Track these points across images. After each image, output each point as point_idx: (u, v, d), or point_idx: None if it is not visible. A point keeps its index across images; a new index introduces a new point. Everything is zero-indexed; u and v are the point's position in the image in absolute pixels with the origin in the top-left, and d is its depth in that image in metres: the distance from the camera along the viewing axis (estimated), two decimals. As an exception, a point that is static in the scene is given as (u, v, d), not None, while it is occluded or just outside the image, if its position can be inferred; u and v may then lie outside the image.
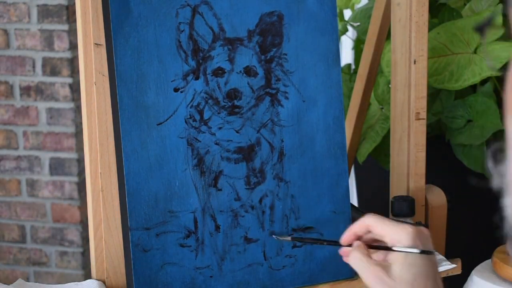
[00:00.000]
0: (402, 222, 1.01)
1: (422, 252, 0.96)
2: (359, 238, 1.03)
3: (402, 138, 1.36)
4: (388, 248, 0.99)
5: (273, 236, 1.17)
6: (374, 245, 1.02)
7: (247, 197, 1.18)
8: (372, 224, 1.01)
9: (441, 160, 1.71)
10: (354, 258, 1.01)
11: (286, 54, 1.19)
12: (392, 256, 0.98)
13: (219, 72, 1.16)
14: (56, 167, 2.62)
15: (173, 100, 1.13)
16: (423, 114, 1.34)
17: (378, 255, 1.02)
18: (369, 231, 1.02)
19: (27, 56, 2.57)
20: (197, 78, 1.15)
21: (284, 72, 1.19)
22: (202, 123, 1.15)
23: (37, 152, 2.63)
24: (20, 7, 2.55)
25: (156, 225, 1.13)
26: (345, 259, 1.04)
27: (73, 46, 2.55)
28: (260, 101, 1.18)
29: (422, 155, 1.35)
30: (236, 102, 1.16)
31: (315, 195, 1.21)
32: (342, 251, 1.05)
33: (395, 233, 0.98)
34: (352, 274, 1.24)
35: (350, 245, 1.03)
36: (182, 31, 1.14)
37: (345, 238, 1.04)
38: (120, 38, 1.11)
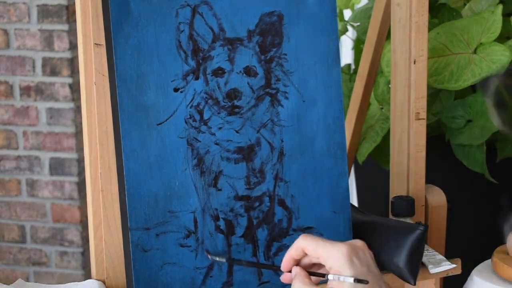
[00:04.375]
0: (333, 241, 0.98)
1: (357, 281, 0.94)
2: (298, 262, 1.01)
3: (402, 138, 1.36)
4: (322, 276, 0.98)
5: (208, 255, 1.15)
6: (311, 271, 1.00)
7: (247, 197, 1.18)
8: (306, 247, 0.99)
9: (441, 160, 1.71)
10: (295, 286, 0.99)
11: (286, 54, 1.19)
12: (332, 282, 0.95)
13: (219, 72, 1.16)
14: (56, 167, 2.63)
15: (173, 100, 1.13)
16: (423, 114, 1.34)
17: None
18: (305, 254, 1.00)
19: (27, 56, 2.58)
20: (197, 78, 1.15)
21: (284, 72, 1.19)
22: (202, 123, 1.15)
23: (37, 152, 2.63)
24: (20, 7, 2.55)
25: (156, 225, 1.13)
26: (285, 281, 1.03)
27: (73, 46, 2.55)
28: (260, 101, 1.18)
29: (422, 155, 1.35)
30: (236, 102, 1.17)
31: (315, 195, 1.21)
32: (284, 278, 1.03)
33: (329, 255, 0.96)
34: (352, 274, 1.24)
35: (291, 271, 1.01)
36: (182, 31, 1.14)
37: (283, 264, 1.02)
38: (120, 38, 1.11)
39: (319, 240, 0.98)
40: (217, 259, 1.15)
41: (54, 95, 2.58)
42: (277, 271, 1.05)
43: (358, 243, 0.98)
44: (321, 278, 0.99)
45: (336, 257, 0.96)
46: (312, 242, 0.98)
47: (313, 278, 1.00)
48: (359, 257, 0.96)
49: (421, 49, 1.32)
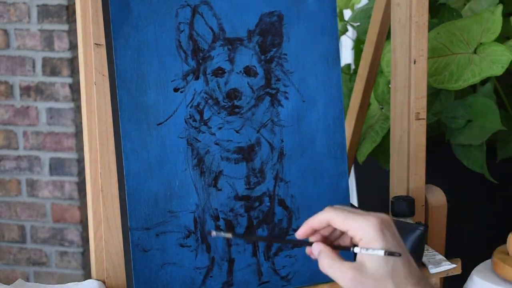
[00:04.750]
0: (362, 211, 0.95)
1: (388, 253, 0.91)
2: (315, 232, 0.98)
3: (402, 138, 1.36)
4: (349, 248, 0.95)
5: (213, 232, 1.11)
6: (336, 245, 0.97)
7: (247, 197, 1.18)
8: (333, 220, 0.95)
9: (441, 160, 1.71)
10: (325, 265, 0.96)
11: (286, 54, 1.19)
12: (361, 255, 0.93)
13: (219, 72, 1.16)
14: (56, 167, 2.62)
15: (173, 100, 1.13)
16: (423, 114, 1.34)
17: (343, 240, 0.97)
18: (328, 225, 0.96)
19: (27, 56, 2.57)
20: (197, 78, 1.15)
21: (284, 72, 1.19)
22: (202, 123, 1.15)
23: (37, 152, 2.63)
24: (20, 7, 2.55)
25: (156, 225, 1.13)
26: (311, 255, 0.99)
27: (73, 46, 2.55)
28: (260, 101, 1.18)
29: (422, 155, 1.35)
30: (236, 102, 1.17)
31: (315, 195, 1.21)
32: (308, 250, 0.99)
33: (360, 227, 0.93)
34: (352, 274, 1.24)
35: (307, 241, 0.97)
36: (182, 31, 1.14)
37: (302, 232, 0.98)
38: (120, 38, 1.11)
39: (346, 212, 0.95)
40: (222, 234, 1.12)
41: (54, 95, 2.58)
42: (290, 242, 1.01)
43: (386, 217, 0.95)
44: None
45: (367, 229, 0.93)
46: (339, 214, 0.95)
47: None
48: (388, 229, 0.94)
49: (421, 49, 1.32)
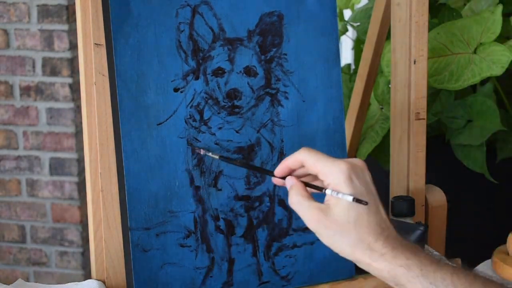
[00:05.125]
0: (335, 158, 0.96)
1: (356, 200, 0.92)
2: (292, 171, 0.99)
3: (402, 138, 1.36)
4: (320, 190, 0.96)
5: (201, 150, 1.13)
6: (309, 183, 0.98)
7: (247, 197, 1.18)
8: (306, 160, 0.97)
9: (441, 160, 1.71)
10: (292, 201, 0.97)
11: (286, 54, 1.19)
12: (331, 197, 0.94)
13: (219, 72, 1.16)
14: (56, 167, 2.63)
15: (173, 100, 1.13)
16: (423, 114, 1.34)
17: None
18: (303, 166, 0.98)
19: (27, 56, 2.58)
20: (197, 78, 1.15)
21: (284, 72, 1.19)
22: (202, 123, 1.15)
23: (37, 152, 2.63)
24: (20, 7, 2.55)
25: (156, 225, 1.13)
26: (276, 183, 1.01)
27: (73, 46, 2.55)
28: (260, 101, 1.18)
29: (422, 155, 1.35)
30: (236, 102, 1.17)
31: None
32: (275, 180, 1.00)
33: (328, 171, 0.95)
34: (352, 274, 1.24)
35: (283, 178, 0.99)
36: (182, 31, 1.14)
37: (278, 169, 0.99)
38: (120, 38, 1.11)
39: (319, 155, 0.96)
40: (210, 154, 1.13)
41: (54, 95, 2.58)
42: (269, 174, 1.01)
43: (359, 162, 0.96)
44: (314, 191, 0.97)
45: (335, 174, 0.94)
46: (312, 156, 0.96)
47: (309, 189, 0.99)
48: (358, 176, 0.94)
49: (421, 49, 1.32)
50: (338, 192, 0.93)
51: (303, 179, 0.99)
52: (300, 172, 1.00)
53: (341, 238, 0.94)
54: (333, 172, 0.94)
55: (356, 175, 0.94)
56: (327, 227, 0.94)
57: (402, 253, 0.94)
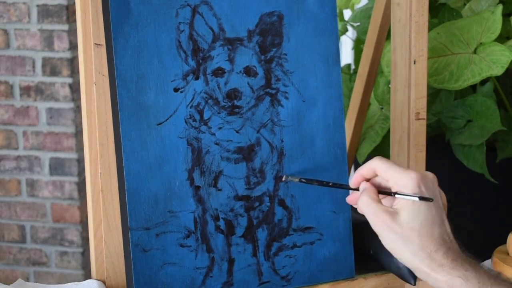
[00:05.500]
0: (407, 168, 1.02)
1: (421, 198, 0.96)
2: (367, 181, 1.04)
3: (402, 138, 1.36)
4: (390, 194, 1.00)
5: (283, 177, 1.17)
6: (380, 190, 1.02)
7: (247, 197, 1.18)
8: (378, 168, 1.01)
9: (441, 160, 1.71)
10: (362, 202, 1.01)
11: (286, 54, 1.19)
12: (399, 203, 0.98)
13: (219, 72, 1.16)
14: (56, 167, 2.63)
15: (173, 100, 1.13)
16: (423, 114, 1.34)
17: (387, 200, 1.02)
18: (376, 175, 1.02)
19: (27, 56, 2.58)
20: (197, 78, 1.15)
21: (284, 72, 1.19)
22: (202, 123, 1.15)
23: (37, 152, 2.63)
24: (20, 7, 2.55)
25: (156, 225, 1.13)
26: (353, 205, 1.05)
27: (73, 46, 2.55)
28: (260, 101, 1.18)
29: (422, 155, 1.35)
30: (236, 102, 1.17)
31: (315, 195, 1.21)
32: (351, 199, 1.06)
33: (399, 178, 0.99)
34: (352, 274, 1.24)
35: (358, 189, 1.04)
36: (182, 31, 1.14)
37: (353, 180, 1.05)
38: (120, 38, 1.11)
39: (391, 164, 1.01)
40: (290, 179, 1.17)
41: (54, 95, 2.58)
42: (345, 188, 1.07)
43: (430, 174, 1.01)
44: (388, 201, 1.02)
45: (405, 181, 0.98)
46: (385, 164, 1.01)
47: (383, 201, 1.03)
48: (427, 186, 0.99)
49: (421, 49, 1.32)
50: (405, 195, 0.97)
51: None
52: (374, 182, 1.04)
53: (403, 244, 0.97)
54: (403, 179, 0.99)
55: (425, 185, 0.98)
56: (391, 230, 0.98)
57: (462, 265, 0.97)
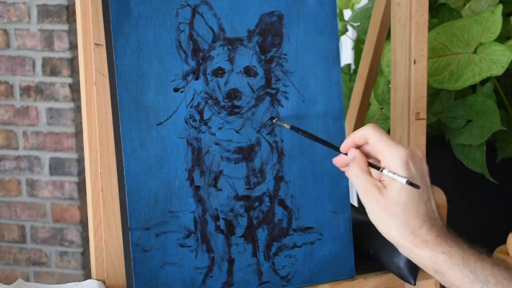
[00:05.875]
0: (398, 143, 1.01)
1: (409, 183, 0.95)
2: (358, 147, 1.03)
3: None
4: (379, 168, 0.99)
5: (273, 121, 1.15)
6: (370, 162, 1.01)
7: (247, 197, 1.18)
8: (370, 136, 1.00)
9: (441, 160, 1.71)
10: (352, 172, 1.01)
11: (286, 54, 1.19)
12: (386, 178, 0.98)
13: (219, 72, 1.16)
14: (56, 167, 2.63)
15: (173, 100, 1.13)
16: (423, 114, 1.34)
17: (376, 171, 1.01)
18: (367, 143, 1.01)
19: (27, 56, 2.58)
20: (197, 78, 1.15)
21: (284, 72, 1.19)
22: (202, 123, 1.15)
23: (37, 152, 2.63)
24: (20, 7, 2.55)
25: (156, 225, 1.13)
26: (341, 168, 1.04)
27: (73, 46, 2.55)
28: (260, 101, 1.18)
29: (422, 155, 1.35)
30: (236, 102, 1.17)
31: (315, 195, 1.21)
32: (338, 160, 1.04)
33: (388, 153, 0.98)
34: (352, 274, 1.24)
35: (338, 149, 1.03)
36: (182, 31, 1.14)
37: (344, 145, 1.03)
38: (120, 38, 1.11)
39: (383, 135, 1.00)
40: (280, 123, 1.16)
41: (54, 95, 2.58)
42: (335, 149, 1.05)
43: (418, 151, 1.00)
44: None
45: (394, 157, 0.98)
46: (377, 134, 1.00)
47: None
48: (415, 163, 0.98)
49: (421, 49, 1.32)
50: (394, 173, 0.97)
51: None
52: (363, 150, 1.03)
53: (388, 218, 0.97)
54: (392, 155, 0.98)
55: (413, 162, 0.98)
56: (378, 204, 0.97)
57: (445, 242, 0.96)
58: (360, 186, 1.00)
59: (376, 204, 0.98)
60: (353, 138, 1.03)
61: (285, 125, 1.15)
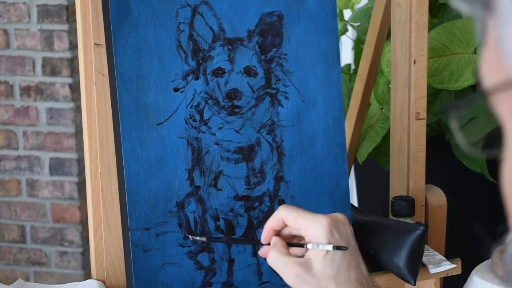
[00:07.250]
0: (315, 213, 0.95)
1: (336, 248, 0.91)
2: (278, 233, 0.97)
3: (402, 138, 1.36)
4: (302, 245, 0.95)
5: (189, 236, 1.14)
6: (291, 242, 0.96)
7: (247, 197, 1.18)
8: (286, 217, 0.95)
9: (441, 160, 1.71)
10: (271, 257, 0.95)
11: (286, 54, 1.19)
12: (312, 252, 0.92)
13: (219, 72, 1.16)
14: (56, 167, 2.62)
15: (173, 100, 1.13)
16: (423, 114, 1.34)
17: (299, 249, 0.96)
18: (285, 225, 0.96)
19: (27, 56, 2.57)
20: (197, 78, 1.15)
21: (284, 72, 1.19)
22: (202, 123, 1.15)
23: (37, 152, 2.63)
24: (20, 7, 2.55)
25: (156, 225, 1.13)
26: (263, 255, 0.98)
27: (73, 46, 2.55)
28: (260, 101, 1.18)
29: (422, 155, 1.35)
30: (236, 102, 1.16)
31: (315, 195, 1.21)
32: (263, 252, 0.98)
33: (310, 227, 0.93)
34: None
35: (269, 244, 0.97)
36: (182, 31, 1.14)
37: (263, 236, 0.98)
38: (120, 38, 1.11)
39: (299, 211, 0.95)
40: (198, 238, 1.13)
41: (54, 95, 2.58)
42: (257, 244, 1.01)
43: (339, 216, 0.95)
44: (301, 249, 0.96)
45: (316, 229, 0.92)
46: (292, 212, 0.95)
47: (295, 250, 0.97)
48: (339, 230, 0.93)
49: (421, 49, 1.32)
50: (318, 245, 0.92)
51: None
52: (285, 232, 0.98)
53: None
54: (314, 227, 0.93)
55: (337, 229, 0.93)
56: (306, 282, 0.91)
57: None
58: (282, 268, 0.93)
59: (304, 283, 0.91)
60: (269, 225, 0.97)
61: (202, 238, 1.13)
